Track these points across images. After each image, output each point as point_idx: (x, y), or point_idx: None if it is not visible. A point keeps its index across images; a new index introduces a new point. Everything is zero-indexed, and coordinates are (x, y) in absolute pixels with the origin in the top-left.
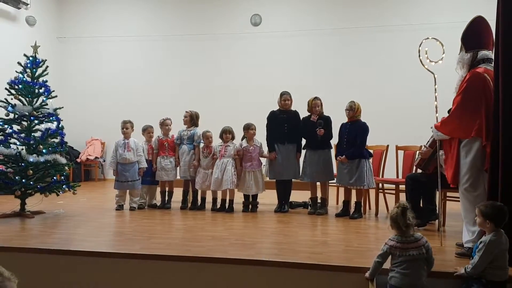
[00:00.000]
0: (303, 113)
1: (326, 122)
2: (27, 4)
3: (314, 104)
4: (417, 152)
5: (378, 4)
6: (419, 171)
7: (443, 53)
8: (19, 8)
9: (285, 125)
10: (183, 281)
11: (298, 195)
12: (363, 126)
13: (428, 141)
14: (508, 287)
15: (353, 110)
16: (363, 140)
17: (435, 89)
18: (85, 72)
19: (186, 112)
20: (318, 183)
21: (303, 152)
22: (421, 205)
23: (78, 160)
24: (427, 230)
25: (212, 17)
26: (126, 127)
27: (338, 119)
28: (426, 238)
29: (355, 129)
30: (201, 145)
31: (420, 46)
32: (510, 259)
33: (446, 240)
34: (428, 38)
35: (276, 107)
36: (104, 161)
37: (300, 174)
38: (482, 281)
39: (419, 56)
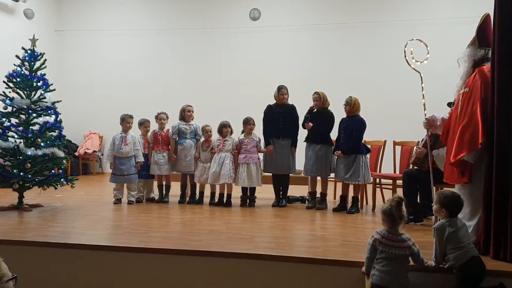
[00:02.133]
0: (301, 107)
1: (323, 116)
2: None
3: (313, 99)
4: (414, 149)
5: None
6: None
7: (428, 53)
8: (17, 1)
9: (281, 120)
10: (181, 275)
11: (296, 190)
12: (359, 121)
13: (423, 140)
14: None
15: (349, 105)
16: (359, 135)
17: (422, 88)
18: (84, 65)
19: (190, 106)
20: (318, 178)
21: (304, 146)
22: (418, 201)
23: (76, 153)
24: (424, 225)
25: (211, 11)
26: (132, 122)
27: (337, 114)
28: (413, 241)
29: (352, 124)
30: (202, 139)
31: (405, 47)
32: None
33: None
34: (412, 39)
35: (273, 101)
36: (102, 154)
37: (297, 169)
38: (457, 273)
39: (405, 56)
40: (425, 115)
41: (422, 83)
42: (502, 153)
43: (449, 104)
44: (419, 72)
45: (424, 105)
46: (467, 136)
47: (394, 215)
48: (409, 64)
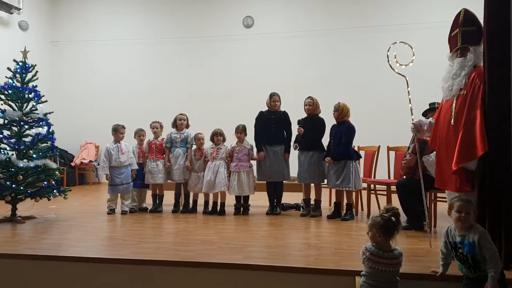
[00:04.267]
0: (295, 114)
1: (315, 123)
2: (20, 9)
3: (306, 103)
4: (403, 161)
5: (370, 4)
6: None
7: (413, 55)
8: (11, 13)
9: (273, 126)
10: (171, 286)
11: (290, 197)
12: (348, 127)
13: (410, 148)
14: None
15: (337, 111)
16: (348, 141)
17: (408, 92)
18: (79, 75)
19: (182, 115)
20: (312, 184)
21: (297, 153)
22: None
23: (72, 164)
24: (418, 232)
25: (204, 19)
26: (124, 132)
27: (331, 120)
28: (403, 256)
29: (342, 130)
30: (194, 147)
31: (388, 51)
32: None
33: (437, 240)
34: (395, 43)
35: (266, 108)
36: (98, 164)
37: (291, 175)
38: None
39: (388, 61)
40: (412, 120)
41: (408, 87)
42: (493, 159)
43: (427, 111)
44: (404, 76)
45: (411, 109)
46: (469, 143)
47: (393, 228)
48: (392, 69)
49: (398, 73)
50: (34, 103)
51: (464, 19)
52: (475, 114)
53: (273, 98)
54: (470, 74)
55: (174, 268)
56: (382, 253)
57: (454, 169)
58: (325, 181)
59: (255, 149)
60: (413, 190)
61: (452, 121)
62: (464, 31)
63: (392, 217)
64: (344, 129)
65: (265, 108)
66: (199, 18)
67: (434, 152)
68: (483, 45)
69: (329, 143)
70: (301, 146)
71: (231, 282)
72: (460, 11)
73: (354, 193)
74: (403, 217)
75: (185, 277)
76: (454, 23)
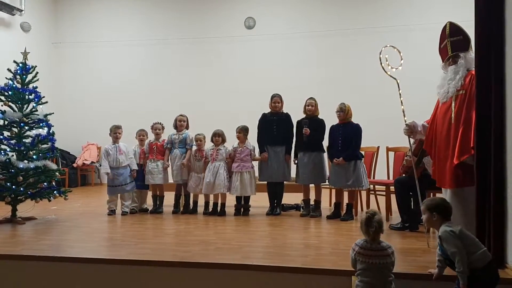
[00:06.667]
0: (297, 115)
1: (316, 124)
2: (22, 10)
3: (308, 104)
4: (404, 159)
5: (371, 5)
6: None
7: (401, 59)
8: (13, 15)
9: (275, 127)
10: (169, 286)
11: (290, 197)
12: (357, 128)
13: (411, 148)
14: None
15: (344, 111)
16: (359, 142)
17: (400, 94)
18: (81, 77)
19: (183, 116)
20: (311, 185)
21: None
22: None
23: (75, 165)
24: (417, 232)
25: (206, 21)
26: (120, 132)
27: (331, 121)
28: (393, 248)
29: (349, 131)
30: (194, 148)
31: (380, 54)
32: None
33: (435, 241)
34: (386, 46)
35: (269, 109)
36: (100, 165)
37: (293, 176)
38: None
39: (381, 64)
40: (405, 121)
41: (399, 90)
42: (482, 152)
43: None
44: (395, 78)
45: (403, 111)
46: (468, 138)
47: (364, 228)
48: (385, 71)
49: (390, 76)
50: (35, 104)
51: (451, 31)
52: (473, 113)
53: (274, 99)
54: (465, 76)
55: (171, 269)
56: (370, 245)
57: (455, 163)
58: (327, 181)
59: (257, 150)
60: (410, 188)
61: (453, 119)
62: (452, 41)
63: (364, 215)
64: (354, 130)
65: (266, 109)
66: (201, 19)
67: None
68: (474, 47)
69: (329, 144)
70: (304, 148)
71: (228, 283)
72: (446, 25)
73: (355, 193)
74: (397, 218)
75: (182, 278)
76: (442, 35)
